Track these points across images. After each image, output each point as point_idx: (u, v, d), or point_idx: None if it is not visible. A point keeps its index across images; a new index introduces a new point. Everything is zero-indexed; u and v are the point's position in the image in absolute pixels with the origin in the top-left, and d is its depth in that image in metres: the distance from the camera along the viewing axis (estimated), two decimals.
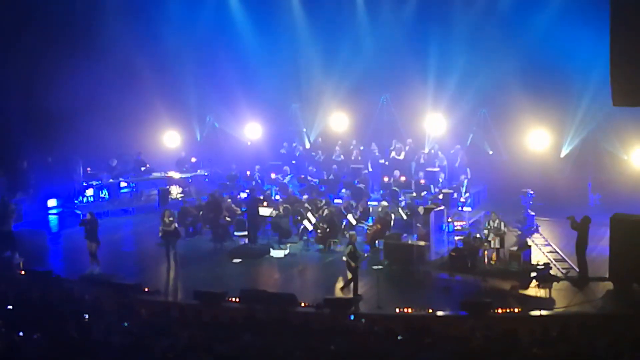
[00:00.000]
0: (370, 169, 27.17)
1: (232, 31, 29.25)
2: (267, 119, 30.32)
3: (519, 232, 21.57)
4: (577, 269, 18.29)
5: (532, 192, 22.70)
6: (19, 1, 25.07)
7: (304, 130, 30.06)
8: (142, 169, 27.49)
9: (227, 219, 22.40)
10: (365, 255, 19.33)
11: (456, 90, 26.42)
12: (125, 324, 12.54)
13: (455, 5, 26.62)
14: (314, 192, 24.55)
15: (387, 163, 27.04)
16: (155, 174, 27.56)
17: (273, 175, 27.01)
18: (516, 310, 16.20)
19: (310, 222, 21.65)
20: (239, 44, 29.19)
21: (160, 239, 20.31)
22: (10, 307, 13.85)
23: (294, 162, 28.22)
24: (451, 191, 23.25)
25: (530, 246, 18.95)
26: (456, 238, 20.25)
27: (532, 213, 22.54)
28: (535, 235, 21.90)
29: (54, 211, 25.55)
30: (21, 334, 11.15)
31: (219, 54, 28.76)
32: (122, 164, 27.51)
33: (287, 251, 20.99)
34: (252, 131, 30.42)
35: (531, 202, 22.58)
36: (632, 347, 11.34)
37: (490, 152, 27.40)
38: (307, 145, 29.69)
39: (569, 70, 24.28)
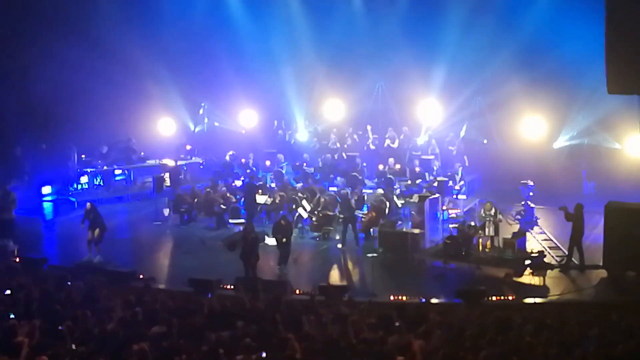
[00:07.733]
0: (366, 148, 27.18)
1: (227, 18, 29.14)
2: (262, 106, 30.25)
3: (517, 224, 20.76)
4: (572, 257, 18.31)
5: (532, 184, 21.76)
6: None
7: (298, 117, 30.00)
8: (142, 153, 27.36)
9: (222, 206, 22.38)
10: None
11: (451, 78, 26.40)
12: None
13: None
14: (309, 179, 24.53)
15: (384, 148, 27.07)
16: (150, 162, 27.47)
17: (268, 163, 26.97)
18: (510, 297, 16.28)
19: (305, 209, 21.64)
20: (234, 30, 29.07)
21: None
22: (8, 292, 13.82)
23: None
24: (446, 179, 23.26)
25: (525, 234, 18.96)
26: (451, 226, 20.28)
27: (532, 205, 21.21)
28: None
29: (49, 198, 25.47)
30: (16, 320, 11.12)
31: (214, 40, 28.65)
32: (115, 152, 27.36)
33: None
34: (247, 119, 30.36)
35: (531, 194, 21.57)
36: (626, 335, 11.37)
37: (485, 142, 27.39)
38: (302, 133, 29.62)
39: (564, 58, 24.29)
